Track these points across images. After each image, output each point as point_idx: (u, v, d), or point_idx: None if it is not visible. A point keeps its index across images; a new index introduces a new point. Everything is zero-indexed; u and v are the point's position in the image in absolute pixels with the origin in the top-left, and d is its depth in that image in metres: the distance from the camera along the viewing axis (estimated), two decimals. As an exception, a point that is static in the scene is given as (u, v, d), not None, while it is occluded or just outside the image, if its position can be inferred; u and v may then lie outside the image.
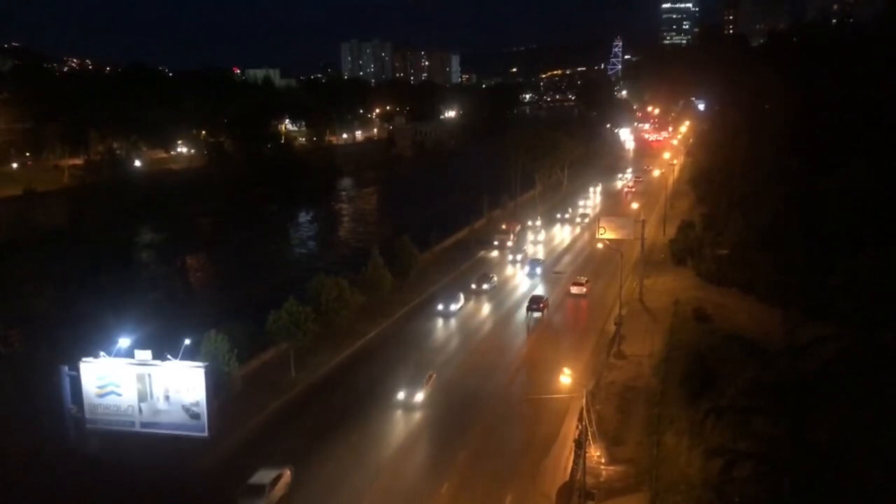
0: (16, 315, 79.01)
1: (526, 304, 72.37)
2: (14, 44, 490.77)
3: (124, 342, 35.29)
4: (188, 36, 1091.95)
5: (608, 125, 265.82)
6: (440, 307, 72.67)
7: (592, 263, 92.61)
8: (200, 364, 34.70)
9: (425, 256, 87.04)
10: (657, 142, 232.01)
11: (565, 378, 37.19)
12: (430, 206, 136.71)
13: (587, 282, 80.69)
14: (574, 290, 79.38)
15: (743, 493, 35.07)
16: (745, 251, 73.13)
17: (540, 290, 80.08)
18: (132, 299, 72.64)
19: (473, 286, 79.68)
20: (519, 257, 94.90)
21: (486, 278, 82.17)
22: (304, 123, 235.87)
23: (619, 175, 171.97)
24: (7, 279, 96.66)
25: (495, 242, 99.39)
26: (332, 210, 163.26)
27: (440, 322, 71.17)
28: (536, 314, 70.52)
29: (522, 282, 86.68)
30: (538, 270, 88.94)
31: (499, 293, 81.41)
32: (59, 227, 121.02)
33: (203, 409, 34.45)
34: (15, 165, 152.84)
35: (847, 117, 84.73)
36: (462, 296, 75.33)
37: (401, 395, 51.73)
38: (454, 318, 72.04)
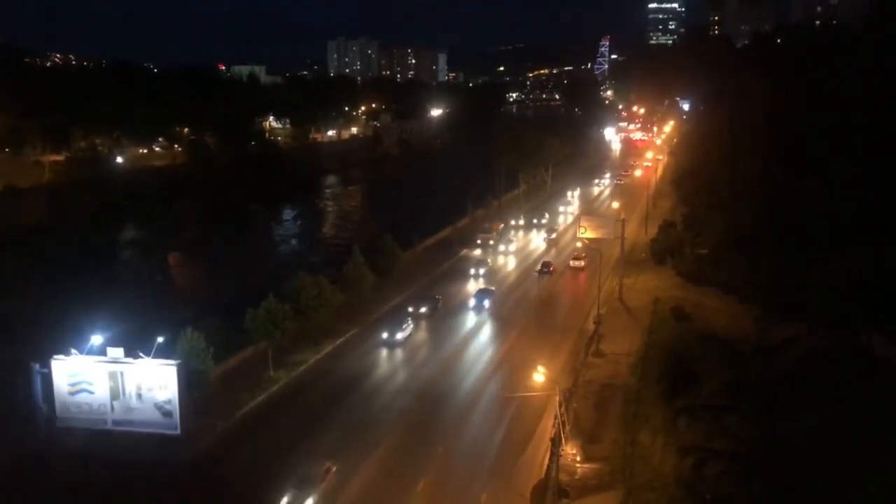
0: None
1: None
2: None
3: (97, 339, 35.06)
4: (175, 33, 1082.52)
5: (594, 125, 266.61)
6: (384, 335, 63.66)
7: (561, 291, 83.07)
8: (172, 362, 34.51)
9: (408, 255, 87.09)
10: (642, 141, 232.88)
11: (539, 376, 37.23)
12: (414, 204, 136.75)
13: (585, 257, 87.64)
14: (573, 263, 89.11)
15: (714, 491, 35.35)
16: (724, 251, 73.55)
17: (485, 334, 68.07)
18: (110, 297, 72.22)
19: (410, 309, 70.03)
20: (482, 271, 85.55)
21: (428, 301, 72.64)
22: (289, 121, 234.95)
23: (596, 180, 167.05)
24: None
25: (478, 241, 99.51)
26: (316, 208, 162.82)
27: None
28: None
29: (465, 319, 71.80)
30: (486, 304, 73.62)
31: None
32: (40, 224, 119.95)
33: (175, 406, 34.32)
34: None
35: (828, 118, 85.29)
36: (410, 321, 66.71)
37: None
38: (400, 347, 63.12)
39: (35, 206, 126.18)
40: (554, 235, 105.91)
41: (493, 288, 78.88)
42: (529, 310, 75.01)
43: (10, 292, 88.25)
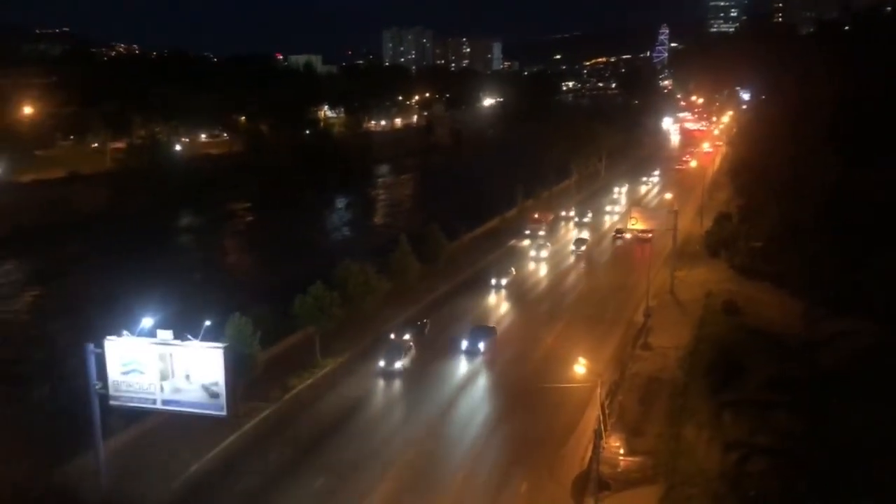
0: (53, 294, 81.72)
1: None
2: (64, 29, 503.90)
3: (147, 322, 35.99)
4: (235, 23, 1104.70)
5: (650, 114, 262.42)
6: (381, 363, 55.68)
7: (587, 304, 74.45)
8: (219, 345, 35.30)
9: (454, 245, 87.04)
10: (700, 131, 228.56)
11: (580, 367, 37.03)
12: (464, 194, 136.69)
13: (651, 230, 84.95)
14: (641, 236, 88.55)
15: (758, 487, 34.75)
16: (778, 244, 71.94)
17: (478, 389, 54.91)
18: (163, 281, 74.22)
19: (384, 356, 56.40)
20: (504, 281, 78.14)
21: (417, 327, 62.90)
22: (342, 110, 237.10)
23: (644, 178, 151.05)
24: (48, 260, 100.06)
25: (526, 232, 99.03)
26: (367, 197, 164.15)
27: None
28: None
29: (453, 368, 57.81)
30: (482, 347, 58.58)
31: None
32: (101, 210, 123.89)
33: (222, 388, 35.06)
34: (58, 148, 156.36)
35: (893, 108, 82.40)
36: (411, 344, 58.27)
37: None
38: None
39: (96, 192, 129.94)
40: (583, 248, 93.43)
41: (492, 325, 64.52)
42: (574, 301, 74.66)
43: (70, 275, 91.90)
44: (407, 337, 59.31)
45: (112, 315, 45.93)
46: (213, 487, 39.65)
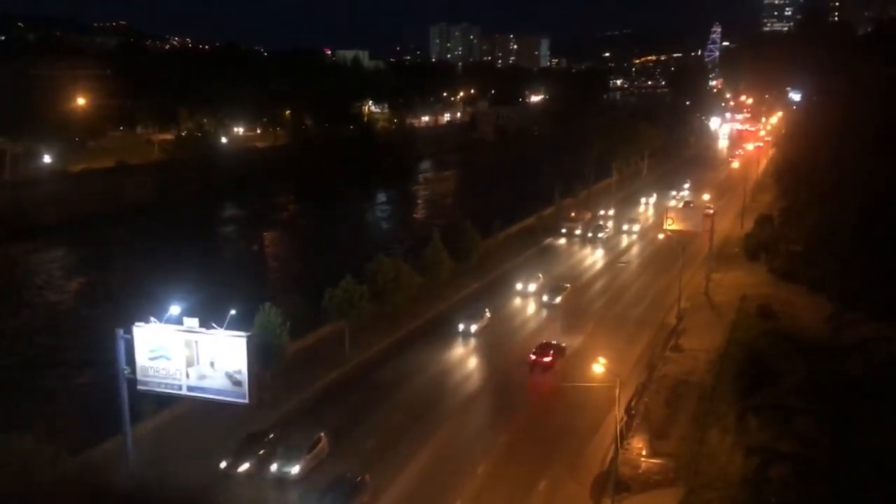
0: (98, 281, 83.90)
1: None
2: (122, 23, 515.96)
3: (175, 309, 36.89)
4: (289, 17, 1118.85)
5: (699, 114, 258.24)
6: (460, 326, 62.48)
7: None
8: (243, 334, 36.03)
9: (488, 242, 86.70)
10: (749, 132, 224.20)
11: (598, 367, 36.81)
12: (505, 191, 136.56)
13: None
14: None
15: (779, 494, 34.22)
16: (819, 248, 70.32)
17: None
18: (201, 270, 75.79)
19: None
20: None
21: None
22: (387, 105, 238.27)
23: (673, 192, 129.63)
24: (96, 248, 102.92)
25: (563, 231, 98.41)
26: (408, 193, 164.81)
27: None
28: None
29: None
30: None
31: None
32: (148, 200, 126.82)
33: (245, 377, 35.79)
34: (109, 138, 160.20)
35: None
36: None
37: None
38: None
39: (144, 182, 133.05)
40: (559, 299, 71.16)
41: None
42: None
43: (115, 263, 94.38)
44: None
45: (148, 302, 47.06)
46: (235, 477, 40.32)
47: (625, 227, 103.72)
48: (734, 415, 43.72)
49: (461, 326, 62.66)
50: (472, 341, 62.00)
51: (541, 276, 77.34)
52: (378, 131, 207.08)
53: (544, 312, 70.37)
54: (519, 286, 74.51)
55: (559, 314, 69.17)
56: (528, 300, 73.42)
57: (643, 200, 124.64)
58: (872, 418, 34.34)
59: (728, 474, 38.33)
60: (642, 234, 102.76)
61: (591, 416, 46.87)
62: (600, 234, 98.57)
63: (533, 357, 55.15)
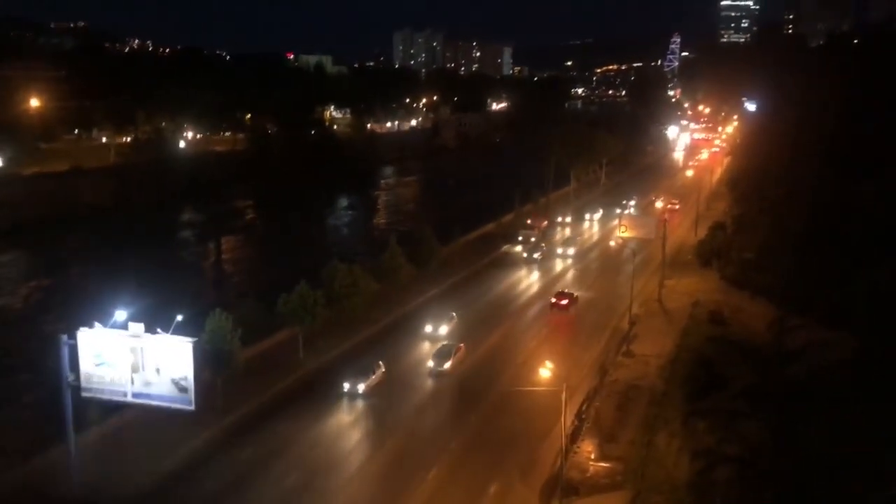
0: (48, 287, 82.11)
1: None
2: (80, 24, 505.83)
3: (121, 315, 36.19)
4: (253, 22, 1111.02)
5: (657, 123, 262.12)
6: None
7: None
8: (189, 339, 35.53)
9: (448, 248, 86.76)
10: (705, 141, 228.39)
11: (545, 371, 37.13)
12: (466, 197, 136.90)
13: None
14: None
15: (724, 495, 34.78)
16: (770, 255, 71.74)
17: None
18: (155, 275, 74.68)
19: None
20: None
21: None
22: (349, 111, 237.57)
23: (623, 202, 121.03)
24: (48, 253, 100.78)
25: (519, 238, 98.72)
26: (369, 198, 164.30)
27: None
28: None
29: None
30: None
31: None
32: (103, 204, 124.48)
33: (191, 383, 35.31)
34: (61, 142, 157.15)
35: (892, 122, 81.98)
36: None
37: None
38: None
39: (99, 186, 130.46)
40: (448, 366, 55.95)
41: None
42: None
43: (67, 268, 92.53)
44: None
45: (96, 307, 46.23)
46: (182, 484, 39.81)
47: (559, 251, 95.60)
48: (681, 419, 44.35)
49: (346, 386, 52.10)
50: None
51: (454, 315, 67.04)
52: (340, 136, 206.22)
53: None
54: (428, 328, 64.10)
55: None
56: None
57: (587, 216, 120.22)
58: (813, 421, 35.08)
59: (674, 477, 38.87)
60: (580, 256, 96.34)
61: (542, 421, 47.19)
62: (535, 255, 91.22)
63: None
